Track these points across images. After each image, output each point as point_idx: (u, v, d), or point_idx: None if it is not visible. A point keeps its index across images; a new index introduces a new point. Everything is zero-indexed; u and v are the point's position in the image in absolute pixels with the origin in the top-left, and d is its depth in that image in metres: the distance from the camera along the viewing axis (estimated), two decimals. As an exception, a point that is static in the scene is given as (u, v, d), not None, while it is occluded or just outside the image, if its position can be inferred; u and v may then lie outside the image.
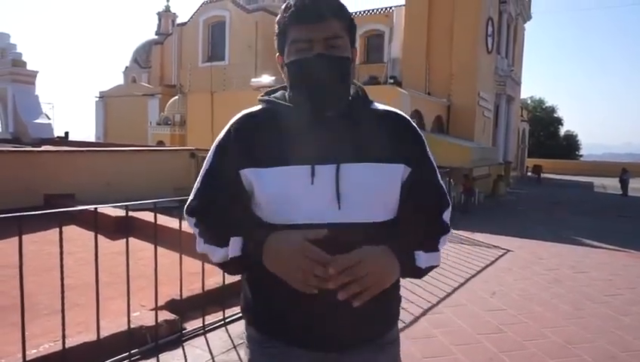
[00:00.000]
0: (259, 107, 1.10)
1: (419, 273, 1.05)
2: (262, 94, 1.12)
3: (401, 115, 1.11)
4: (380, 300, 0.98)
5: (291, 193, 0.99)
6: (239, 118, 1.09)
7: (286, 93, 1.09)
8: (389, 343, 1.12)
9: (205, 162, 1.11)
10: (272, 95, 1.11)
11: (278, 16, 1.05)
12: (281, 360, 1.05)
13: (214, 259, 1.05)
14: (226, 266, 1.05)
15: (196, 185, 1.11)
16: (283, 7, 1.05)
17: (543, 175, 31.35)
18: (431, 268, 1.07)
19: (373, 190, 1.01)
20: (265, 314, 1.07)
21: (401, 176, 1.05)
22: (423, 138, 1.12)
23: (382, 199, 1.03)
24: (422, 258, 1.03)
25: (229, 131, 1.08)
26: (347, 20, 1.04)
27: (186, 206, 1.12)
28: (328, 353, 1.03)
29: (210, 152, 1.10)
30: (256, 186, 1.01)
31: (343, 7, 1.05)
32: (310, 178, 0.98)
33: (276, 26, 1.06)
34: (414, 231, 1.05)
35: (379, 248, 0.96)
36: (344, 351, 1.04)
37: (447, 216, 1.10)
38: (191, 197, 1.11)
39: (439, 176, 1.13)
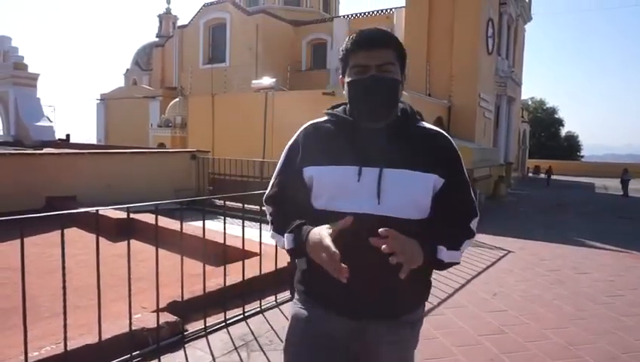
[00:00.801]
0: (324, 118, 1.37)
1: (440, 264, 1.24)
2: (328, 108, 1.39)
3: (442, 134, 1.34)
4: (406, 282, 1.15)
5: (342, 187, 1.24)
6: (306, 127, 1.37)
7: (346, 108, 1.34)
8: (410, 322, 1.33)
9: (280, 160, 1.39)
10: (336, 109, 1.37)
11: (343, 44, 1.31)
12: (319, 318, 1.31)
13: (280, 245, 1.33)
14: (290, 253, 1.30)
15: (272, 178, 1.40)
16: (348, 37, 1.30)
17: (552, 176, 29.56)
18: (452, 264, 1.26)
19: (407, 192, 1.23)
20: (312, 283, 1.34)
21: (433, 185, 1.26)
22: (460, 156, 1.34)
23: (414, 201, 1.25)
24: (443, 252, 1.22)
25: (297, 136, 1.36)
26: (399, 50, 1.28)
27: (264, 196, 1.40)
28: (353, 320, 1.27)
29: (283, 153, 1.39)
30: (315, 180, 1.28)
31: (395, 40, 1.29)
32: (357, 177, 1.23)
33: (341, 53, 1.31)
34: (441, 230, 1.25)
35: (413, 242, 1.16)
36: (369, 322, 1.28)
37: (474, 224, 1.32)
38: (268, 189, 1.40)
39: (471, 189, 1.34)
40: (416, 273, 1.17)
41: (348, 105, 1.33)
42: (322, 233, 1.16)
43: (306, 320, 1.34)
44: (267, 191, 1.39)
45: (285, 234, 1.27)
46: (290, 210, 1.31)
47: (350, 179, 1.23)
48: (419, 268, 1.17)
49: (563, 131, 49.25)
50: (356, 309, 1.26)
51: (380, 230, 1.10)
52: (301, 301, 1.37)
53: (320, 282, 1.26)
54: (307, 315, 1.34)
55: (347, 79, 1.29)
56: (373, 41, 1.25)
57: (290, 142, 1.37)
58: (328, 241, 1.12)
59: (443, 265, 1.24)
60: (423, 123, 1.34)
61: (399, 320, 1.30)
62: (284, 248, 1.31)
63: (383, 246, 1.09)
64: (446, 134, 1.34)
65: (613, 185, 26.48)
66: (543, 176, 29.11)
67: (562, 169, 28.10)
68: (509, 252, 5.74)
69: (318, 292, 1.32)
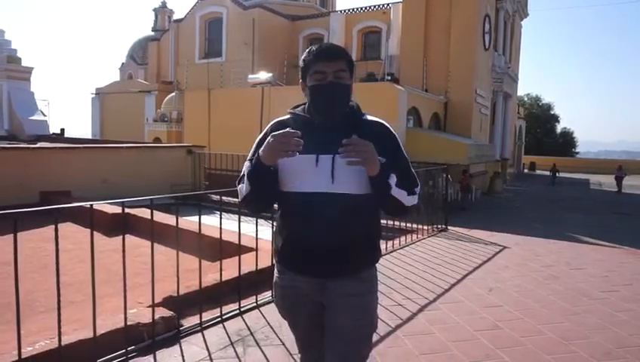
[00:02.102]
0: (287, 116, 1.66)
1: (387, 189, 1.50)
2: (290, 108, 1.67)
3: (382, 123, 1.64)
4: (360, 246, 1.59)
5: (303, 171, 1.53)
6: (273, 123, 1.64)
7: (305, 108, 1.63)
8: (365, 278, 1.63)
9: (251, 150, 1.62)
10: (297, 108, 1.65)
11: (304, 55, 1.59)
12: (290, 282, 1.64)
13: (242, 193, 1.61)
14: (247, 197, 1.60)
15: (244, 167, 1.62)
16: (307, 50, 1.60)
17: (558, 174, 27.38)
18: (398, 202, 1.53)
19: (355, 173, 1.49)
20: (283, 252, 1.66)
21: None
22: (398, 139, 1.63)
23: (360, 179, 1.51)
24: (393, 180, 1.49)
25: (266, 131, 1.60)
26: (349, 60, 1.58)
27: (237, 180, 1.65)
28: (317, 278, 1.58)
29: (254, 144, 1.63)
30: (281, 166, 1.53)
31: (346, 53, 1.60)
32: (315, 163, 1.52)
33: (301, 62, 1.59)
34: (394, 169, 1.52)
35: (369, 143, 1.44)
36: (329, 279, 1.58)
37: (417, 190, 1.59)
38: (241, 173, 1.63)
39: (410, 166, 1.61)
40: (364, 237, 1.60)
41: (306, 105, 1.61)
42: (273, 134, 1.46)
43: (282, 285, 1.68)
44: (240, 175, 1.63)
45: (245, 163, 1.59)
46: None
47: (310, 164, 1.51)
48: (369, 222, 1.60)
49: (558, 127, 49.46)
50: (316, 269, 1.57)
51: (343, 141, 1.38)
52: (278, 271, 1.70)
53: (288, 252, 1.63)
54: (282, 280, 1.67)
55: (309, 84, 1.56)
56: (331, 53, 1.55)
57: (259, 136, 1.62)
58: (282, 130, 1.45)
59: (389, 189, 1.49)
60: (367, 116, 1.63)
61: (353, 277, 1.59)
62: (244, 196, 1.61)
63: (345, 141, 1.38)
64: (385, 123, 1.63)
65: (607, 181, 26.64)
66: (548, 174, 27.31)
67: (558, 165, 28.16)
68: (505, 248, 5.76)
69: (288, 260, 1.65)
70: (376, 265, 1.68)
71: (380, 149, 1.47)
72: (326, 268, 1.57)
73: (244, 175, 1.60)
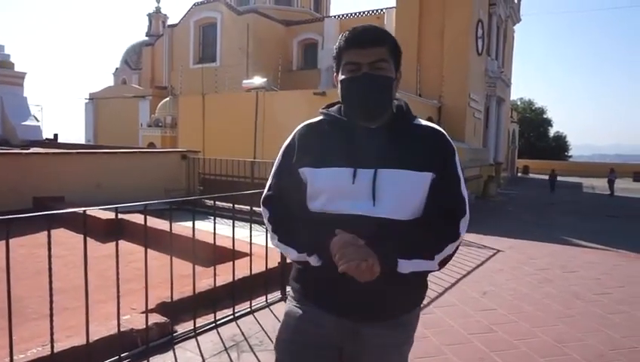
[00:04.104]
0: (319, 118, 1.34)
1: (400, 277, 1.20)
2: (323, 107, 1.36)
3: (437, 130, 1.31)
4: (404, 289, 1.23)
5: (336, 189, 1.22)
6: (301, 127, 1.35)
7: (341, 107, 1.31)
8: (406, 323, 1.33)
9: (275, 162, 1.37)
10: (331, 108, 1.34)
11: (337, 42, 1.27)
12: (312, 317, 1.30)
13: (290, 257, 1.32)
14: (300, 263, 1.31)
15: (269, 180, 1.37)
16: (341, 35, 1.27)
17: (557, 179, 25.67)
18: (422, 273, 1.25)
19: (402, 192, 1.21)
20: (306, 282, 1.33)
21: (430, 182, 1.24)
22: (454, 150, 1.30)
23: (410, 201, 1.23)
24: (404, 265, 1.18)
25: (293, 137, 1.34)
26: (392, 47, 1.25)
27: (262, 198, 1.37)
28: (348, 320, 1.26)
29: (279, 154, 1.36)
30: (310, 182, 1.26)
31: (389, 36, 1.27)
32: (352, 178, 1.20)
33: (334, 51, 1.28)
34: (417, 237, 1.20)
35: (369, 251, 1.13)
36: (361, 322, 1.26)
37: (463, 225, 1.25)
38: (265, 190, 1.37)
39: (463, 186, 1.28)
40: (411, 272, 1.20)
41: (342, 105, 1.31)
42: (353, 238, 1.15)
43: (299, 318, 1.32)
44: (264, 193, 1.37)
45: (312, 256, 1.25)
46: (290, 215, 1.31)
47: (345, 181, 1.21)
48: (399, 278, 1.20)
49: (551, 131, 49.82)
50: (353, 309, 1.24)
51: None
52: (296, 299, 1.35)
53: (318, 280, 1.27)
54: (301, 313, 1.32)
55: (340, 77, 1.26)
56: (366, 38, 1.22)
57: (286, 142, 1.35)
58: (362, 242, 1.14)
59: (404, 277, 1.21)
60: (419, 120, 1.32)
61: (395, 321, 1.28)
62: (293, 260, 1.33)
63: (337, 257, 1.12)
64: (442, 131, 1.31)
65: (600, 184, 26.83)
66: (547, 178, 25.70)
67: (550, 169, 28.34)
68: (499, 251, 5.78)
69: (315, 290, 1.30)
70: None
71: (432, 164, 1.22)
72: (362, 309, 1.24)
73: (275, 223, 1.32)
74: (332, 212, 1.22)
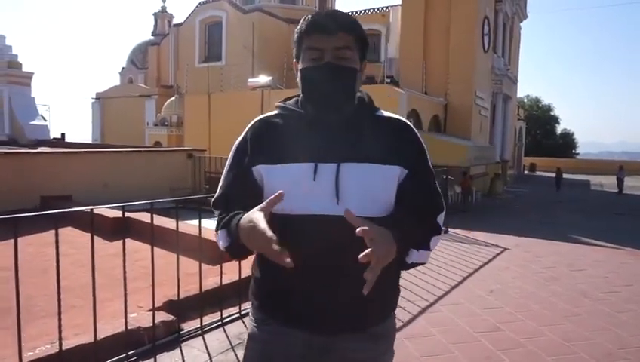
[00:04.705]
0: (274, 112, 1.23)
1: (403, 266, 1.15)
2: (280, 100, 1.25)
3: (402, 121, 1.22)
4: (376, 291, 1.01)
5: (296, 187, 1.09)
6: (255, 122, 1.23)
7: (299, 100, 1.21)
8: (383, 334, 1.20)
9: (227, 161, 1.25)
10: (287, 102, 1.24)
11: (298, 26, 1.17)
12: (276, 337, 1.17)
13: (220, 245, 1.17)
14: (228, 252, 1.16)
15: (220, 181, 1.25)
16: (303, 18, 1.17)
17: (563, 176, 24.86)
18: (417, 264, 1.17)
19: (369, 188, 1.11)
20: (268, 296, 1.20)
21: (398, 178, 1.15)
22: (423, 143, 1.21)
23: (377, 197, 1.13)
24: (413, 254, 1.13)
25: (246, 133, 1.23)
26: (358, 35, 1.15)
27: (212, 201, 1.24)
28: (318, 336, 1.13)
29: (231, 152, 1.24)
30: (266, 181, 1.14)
31: (354, 22, 1.16)
32: (313, 175, 1.09)
33: (295, 35, 1.18)
34: (413, 229, 1.12)
35: (387, 231, 1.01)
36: (334, 336, 1.13)
37: (440, 219, 1.20)
38: (217, 192, 1.25)
39: (436, 180, 1.22)
40: (386, 277, 1.02)
41: (300, 97, 1.21)
42: (254, 217, 1.00)
43: (264, 340, 1.19)
44: (215, 194, 1.24)
45: (218, 231, 1.15)
46: (238, 211, 1.15)
47: (305, 177, 1.09)
48: (386, 270, 1.01)
49: (559, 129, 49.45)
50: (323, 322, 1.11)
51: (357, 230, 0.95)
52: (259, 318, 1.21)
53: (278, 293, 1.15)
54: (265, 334, 1.18)
55: (300, 65, 1.16)
56: (332, 23, 1.12)
57: (237, 140, 1.24)
58: (262, 225, 0.96)
59: (406, 267, 1.15)
60: (382, 111, 1.22)
61: (370, 331, 1.16)
62: (224, 249, 1.18)
63: (361, 257, 0.94)
64: (407, 122, 1.23)
65: (608, 182, 26.60)
66: (554, 176, 25.12)
67: (559, 166, 28.16)
68: (505, 249, 5.76)
69: (277, 305, 1.16)
70: None
71: (399, 157, 1.13)
72: (333, 321, 1.11)
73: (223, 221, 1.15)
74: (292, 212, 1.09)
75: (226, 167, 1.25)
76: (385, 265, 0.98)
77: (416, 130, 1.22)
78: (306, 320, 1.12)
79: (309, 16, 1.15)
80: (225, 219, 1.14)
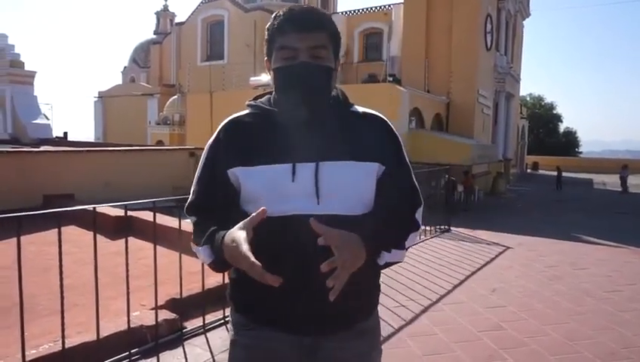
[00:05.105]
0: (246, 111, 1.19)
1: (376, 268, 1.13)
2: (250, 99, 1.21)
3: (378, 117, 1.20)
4: (357, 288, 1.04)
5: (275, 189, 1.07)
6: (226, 123, 1.18)
7: (271, 98, 1.18)
8: (367, 330, 1.19)
9: (199, 164, 1.20)
10: (259, 100, 1.20)
11: (268, 23, 1.13)
12: (260, 341, 1.13)
13: (200, 259, 1.13)
14: (211, 267, 1.12)
15: (193, 186, 1.20)
16: (273, 15, 1.13)
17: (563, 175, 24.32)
18: (391, 263, 1.14)
19: (349, 186, 1.09)
20: (248, 299, 1.15)
21: (376, 174, 1.13)
22: (399, 138, 1.20)
23: (358, 194, 1.11)
24: (385, 256, 1.10)
25: (218, 134, 1.17)
26: (332, 32, 1.12)
27: (185, 206, 1.20)
28: (305, 336, 1.11)
29: (202, 155, 1.19)
30: (243, 183, 1.11)
31: (329, 20, 1.14)
32: (291, 175, 1.07)
33: (266, 33, 1.14)
34: (386, 229, 1.10)
35: (354, 236, 1.00)
36: (320, 336, 1.12)
37: (419, 214, 1.18)
38: (190, 197, 1.20)
39: (413, 175, 1.20)
40: (365, 275, 1.06)
41: (273, 95, 1.18)
42: (237, 237, 0.97)
43: (247, 346, 1.15)
44: (188, 200, 1.19)
45: (200, 248, 1.10)
46: (213, 218, 1.12)
47: (283, 178, 1.07)
48: (362, 270, 1.02)
49: (561, 127, 49.30)
50: (309, 322, 1.09)
51: (318, 240, 0.95)
52: (240, 323, 1.17)
53: (257, 295, 1.08)
54: (247, 339, 1.15)
55: (274, 65, 1.12)
56: (305, 21, 1.09)
57: (209, 142, 1.18)
58: (245, 249, 0.95)
59: (378, 268, 1.13)
60: (357, 107, 1.19)
61: (356, 328, 1.15)
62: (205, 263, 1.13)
63: (320, 239, 0.95)
64: (383, 117, 1.20)
65: (611, 181, 26.53)
66: (555, 174, 24.92)
67: (561, 165, 28.08)
68: (508, 248, 5.74)
69: (259, 308, 1.12)
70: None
71: (377, 153, 1.12)
72: (319, 321, 1.09)
73: (205, 235, 1.09)
74: (273, 215, 1.03)
75: (198, 171, 1.19)
76: (354, 269, 0.98)
77: (392, 125, 1.20)
78: (292, 321, 1.10)
79: (281, 12, 1.11)
80: (207, 234, 1.09)
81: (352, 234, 1.00)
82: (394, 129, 1.20)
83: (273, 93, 1.18)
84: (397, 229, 1.13)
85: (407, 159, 1.20)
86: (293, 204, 1.06)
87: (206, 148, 1.19)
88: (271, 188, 1.07)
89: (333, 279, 0.93)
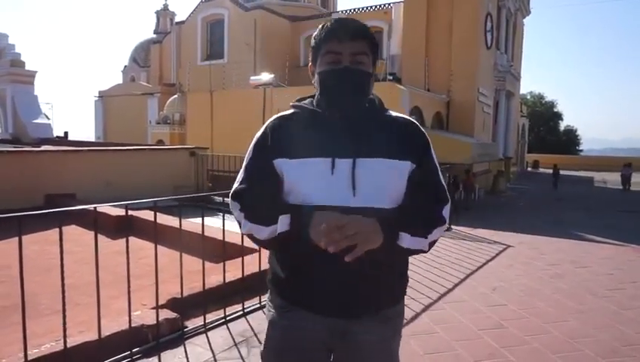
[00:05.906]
0: (290, 111, 1.32)
1: (401, 251, 1.20)
2: (294, 100, 1.34)
3: (410, 121, 1.33)
4: (386, 277, 1.23)
5: (315, 180, 1.19)
6: (273, 120, 1.31)
7: (314, 100, 1.31)
8: (392, 317, 1.31)
9: (246, 156, 1.31)
10: (303, 101, 1.33)
11: (316, 32, 1.27)
12: (297, 322, 1.26)
13: (261, 236, 1.22)
14: (269, 242, 1.23)
15: (239, 175, 1.30)
16: (321, 26, 1.27)
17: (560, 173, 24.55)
18: (415, 251, 1.22)
19: (383, 181, 1.20)
20: (289, 284, 1.27)
21: (408, 171, 1.24)
22: (429, 140, 1.31)
23: (390, 189, 1.22)
24: (405, 239, 1.18)
25: (265, 129, 1.29)
26: (372, 42, 1.26)
27: (231, 192, 1.29)
28: (338, 319, 1.23)
29: (249, 148, 1.30)
30: (286, 174, 1.21)
31: (368, 30, 1.27)
32: (331, 169, 1.18)
33: (312, 41, 1.27)
34: (408, 216, 1.20)
35: (371, 218, 1.12)
36: (350, 320, 1.23)
37: (446, 211, 1.26)
38: (235, 184, 1.29)
39: (441, 174, 1.31)
40: (392, 264, 1.24)
41: (316, 97, 1.30)
42: (329, 213, 1.11)
43: (285, 326, 1.28)
44: (234, 187, 1.29)
45: (280, 216, 1.17)
46: (266, 201, 1.22)
47: (323, 171, 1.18)
48: (387, 256, 1.17)
49: (562, 125, 49.24)
50: (343, 306, 1.21)
51: (322, 226, 1.07)
52: (279, 305, 1.30)
53: (298, 282, 1.24)
54: (286, 321, 1.28)
55: (319, 69, 1.25)
56: (349, 30, 1.22)
57: (256, 136, 1.30)
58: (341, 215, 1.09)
59: (404, 251, 1.21)
60: (391, 112, 1.32)
61: (382, 314, 1.27)
62: (262, 239, 1.22)
63: (330, 247, 1.08)
64: (415, 121, 1.34)
65: (612, 178, 26.49)
66: (551, 173, 24.96)
67: (561, 163, 28.03)
68: (509, 246, 5.74)
69: (297, 292, 1.25)
70: None
71: (408, 153, 1.23)
72: (349, 305, 1.22)
73: (277, 208, 1.20)
74: (313, 205, 1.16)
75: (245, 161, 1.30)
76: (371, 247, 1.10)
77: (422, 128, 1.33)
78: (328, 305, 1.21)
79: (328, 23, 1.26)
80: (287, 206, 1.20)
81: (368, 219, 1.11)
82: (424, 131, 1.32)
83: (316, 95, 1.30)
84: (418, 218, 1.21)
85: (436, 160, 1.31)
86: (331, 195, 1.18)
87: (253, 141, 1.30)
88: (312, 179, 1.19)
89: (349, 255, 1.08)
